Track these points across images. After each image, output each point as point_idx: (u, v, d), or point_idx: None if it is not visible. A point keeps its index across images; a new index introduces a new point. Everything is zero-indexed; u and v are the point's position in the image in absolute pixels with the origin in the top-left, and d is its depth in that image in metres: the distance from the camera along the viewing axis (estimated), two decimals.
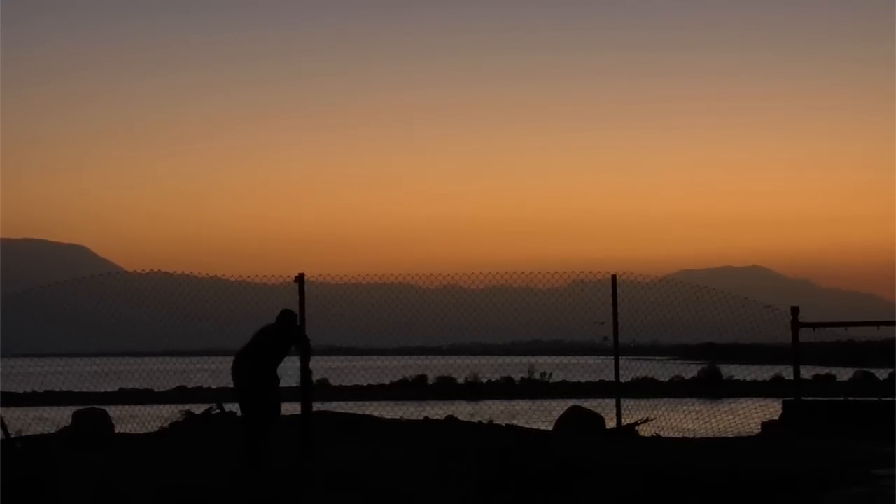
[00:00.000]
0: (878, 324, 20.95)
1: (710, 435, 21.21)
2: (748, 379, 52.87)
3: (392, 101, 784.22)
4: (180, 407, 21.85)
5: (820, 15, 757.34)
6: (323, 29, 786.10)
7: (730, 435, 21.15)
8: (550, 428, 19.19)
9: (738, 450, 15.73)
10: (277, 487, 12.16)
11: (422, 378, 54.22)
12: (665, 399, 38.73)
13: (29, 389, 46.98)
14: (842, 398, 23.42)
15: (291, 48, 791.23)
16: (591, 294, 21.65)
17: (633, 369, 25.65)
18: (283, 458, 13.87)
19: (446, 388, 52.26)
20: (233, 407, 19.30)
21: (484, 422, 19.09)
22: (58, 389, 44.75)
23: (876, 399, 21.79)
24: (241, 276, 22.09)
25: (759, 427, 20.72)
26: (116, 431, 18.67)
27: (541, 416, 33.81)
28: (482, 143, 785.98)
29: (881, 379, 48.75)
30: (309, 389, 16.70)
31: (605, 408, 22.48)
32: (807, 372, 43.00)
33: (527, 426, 20.46)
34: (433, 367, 54.46)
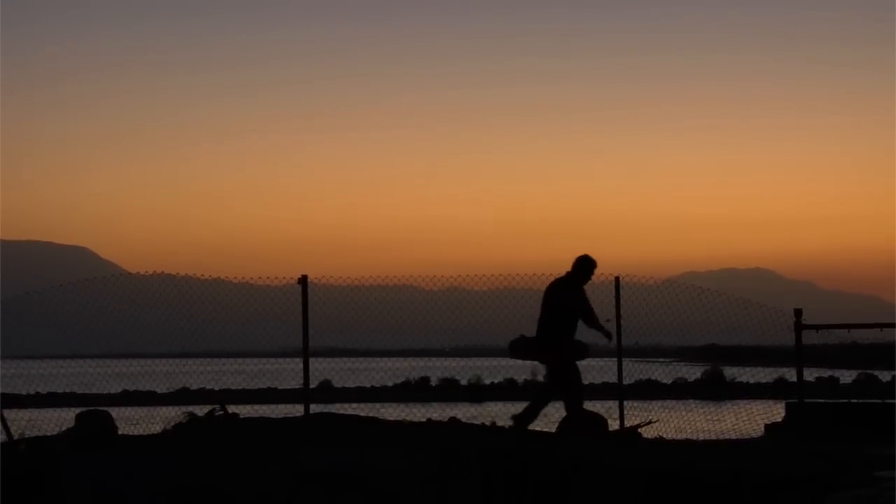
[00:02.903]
0: (880, 325, 20.95)
1: (713, 437, 21.19)
2: (751, 381, 52.89)
3: (395, 104, 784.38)
4: (183, 408, 21.84)
5: (823, 17, 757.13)
6: (327, 32, 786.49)
7: (733, 437, 21.13)
8: (553, 430, 19.16)
9: (742, 452, 15.70)
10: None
11: (425, 380, 54.24)
12: (668, 401, 38.72)
13: (32, 391, 47.00)
14: (845, 400, 23.42)
15: (295, 51, 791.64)
16: (594, 295, 21.62)
17: (635, 371, 25.62)
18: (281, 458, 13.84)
19: (449, 390, 52.27)
20: (235, 408, 19.28)
21: (487, 423, 19.05)
22: (61, 391, 44.83)
23: (879, 401, 21.76)
24: (243, 277, 22.13)
25: (763, 429, 20.70)
26: (119, 433, 18.64)
27: (543, 418, 33.77)
28: (485, 145, 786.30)
29: (884, 381, 48.72)
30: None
31: (607, 410, 22.45)
32: (810, 374, 43.01)
33: (529, 428, 20.41)
34: (436, 368, 54.51)
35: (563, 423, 17.46)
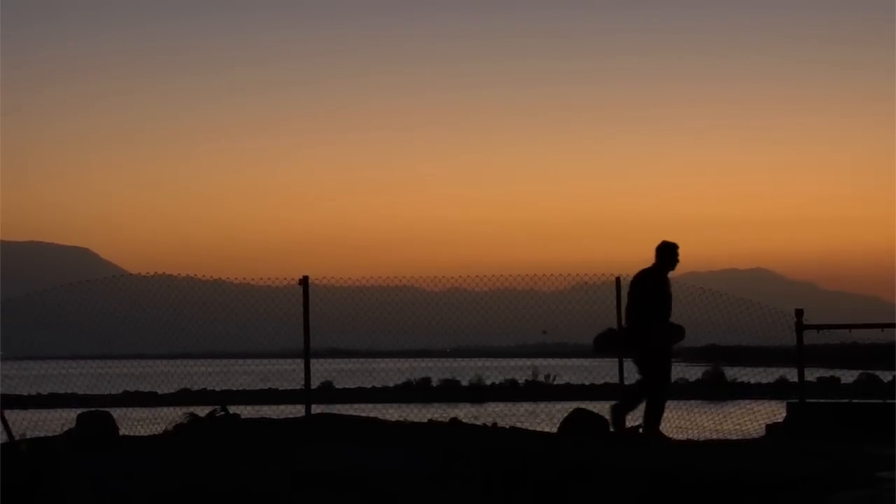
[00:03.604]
0: (881, 326, 20.94)
1: (715, 437, 21.17)
2: (752, 381, 52.84)
3: (396, 105, 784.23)
4: (184, 409, 21.84)
5: (825, 19, 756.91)
6: (328, 34, 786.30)
7: (734, 437, 21.12)
8: (555, 431, 19.17)
9: (743, 452, 15.70)
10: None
11: (426, 380, 54.22)
12: (669, 401, 38.66)
13: (33, 392, 46.96)
14: (846, 400, 23.40)
15: (297, 52, 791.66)
16: (594, 296, 21.65)
17: (636, 372, 25.59)
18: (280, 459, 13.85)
19: (450, 391, 52.25)
20: (236, 409, 19.28)
21: (488, 424, 19.05)
22: (62, 392, 44.76)
23: (880, 401, 21.74)
24: (245, 278, 22.11)
25: (764, 429, 20.69)
26: (121, 433, 18.65)
27: (545, 418, 33.79)
28: (486, 146, 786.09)
29: (885, 381, 48.70)
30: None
31: (609, 410, 22.42)
32: (811, 374, 42.91)
33: (531, 428, 20.43)
34: (437, 369, 54.48)
35: (566, 423, 17.45)
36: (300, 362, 20.61)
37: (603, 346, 16.29)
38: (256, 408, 36.63)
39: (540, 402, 46.04)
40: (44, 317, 24.58)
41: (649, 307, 15.84)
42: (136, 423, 22.86)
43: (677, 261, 16.07)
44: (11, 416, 18.67)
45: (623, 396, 16.42)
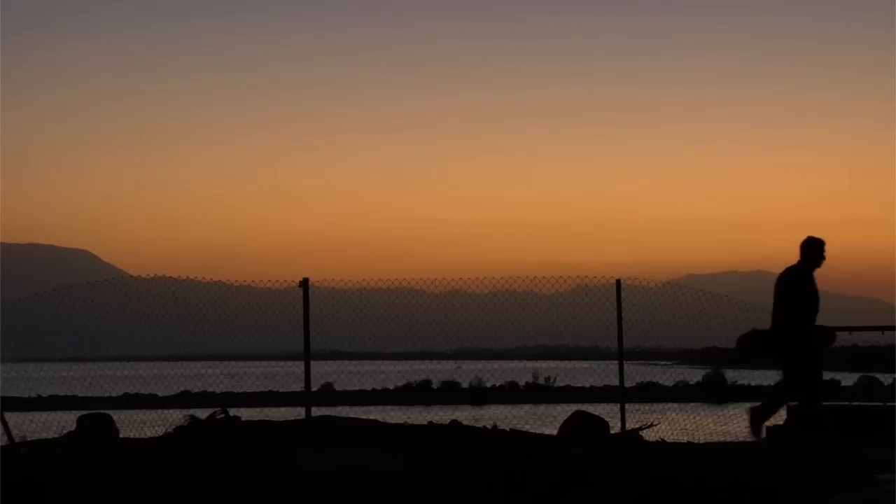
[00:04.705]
0: (882, 328, 20.94)
1: (715, 439, 21.20)
2: (753, 384, 52.89)
3: (396, 107, 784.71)
4: (185, 411, 21.85)
5: (825, 20, 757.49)
6: (328, 35, 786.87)
7: (734, 439, 21.14)
8: (555, 433, 19.18)
9: (743, 454, 15.71)
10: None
11: (426, 383, 54.29)
12: (669, 403, 38.75)
13: (33, 394, 47.01)
14: (846, 403, 23.38)
15: (298, 54, 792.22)
16: (595, 298, 21.67)
17: (637, 374, 25.65)
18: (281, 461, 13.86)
19: (451, 393, 52.29)
20: (237, 411, 19.29)
21: (488, 426, 19.07)
22: (62, 394, 44.83)
23: (880, 404, 21.74)
24: (245, 280, 22.12)
25: (764, 431, 20.71)
26: (121, 436, 18.66)
27: (545, 420, 33.80)
28: (486, 148, 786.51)
29: (886, 384, 48.71)
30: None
31: (609, 412, 22.47)
32: None
33: (531, 431, 20.44)
34: (437, 371, 54.49)
35: (567, 425, 17.45)
36: (300, 364, 20.64)
37: (747, 347, 15.99)
38: (257, 410, 36.70)
39: (540, 404, 46.07)
40: (44, 319, 24.60)
41: (795, 308, 15.51)
42: (136, 425, 22.89)
43: (824, 258, 15.70)
44: (12, 418, 18.69)
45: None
